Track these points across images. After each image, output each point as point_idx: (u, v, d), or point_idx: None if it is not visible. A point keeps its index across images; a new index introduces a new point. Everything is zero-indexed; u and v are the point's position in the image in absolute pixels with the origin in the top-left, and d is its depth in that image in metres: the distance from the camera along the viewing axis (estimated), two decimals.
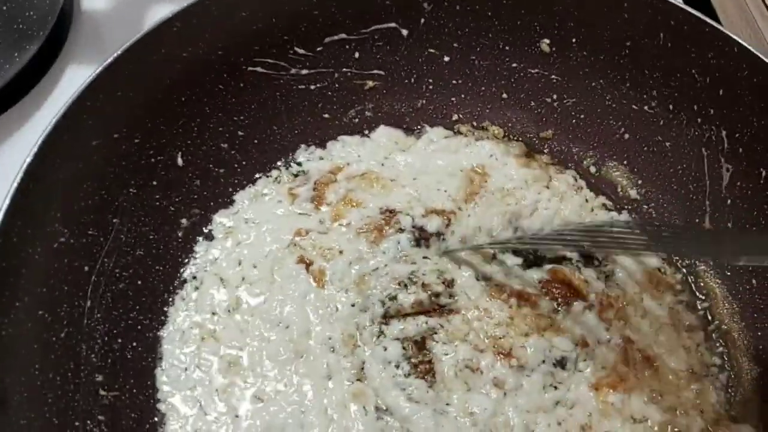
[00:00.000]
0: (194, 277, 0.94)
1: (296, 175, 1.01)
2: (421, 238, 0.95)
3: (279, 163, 1.02)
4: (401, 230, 0.95)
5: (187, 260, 0.95)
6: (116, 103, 0.85)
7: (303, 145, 1.03)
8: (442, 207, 0.98)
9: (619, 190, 1.03)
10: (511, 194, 0.99)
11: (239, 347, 0.88)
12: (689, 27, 0.90)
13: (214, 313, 0.91)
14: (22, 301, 0.75)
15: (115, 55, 0.83)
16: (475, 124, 1.07)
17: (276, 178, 1.01)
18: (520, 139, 1.07)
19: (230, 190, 0.99)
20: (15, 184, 0.74)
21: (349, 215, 0.97)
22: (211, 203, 0.98)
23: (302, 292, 0.91)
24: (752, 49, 0.87)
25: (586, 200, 1.02)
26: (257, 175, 1.01)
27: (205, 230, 0.97)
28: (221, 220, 0.98)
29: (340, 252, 0.94)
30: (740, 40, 0.88)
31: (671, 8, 0.91)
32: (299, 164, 1.02)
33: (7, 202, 0.73)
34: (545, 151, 1.06)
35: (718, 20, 1.17)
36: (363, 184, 0.99)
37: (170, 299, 0.92)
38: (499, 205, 0.98)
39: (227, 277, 0.93)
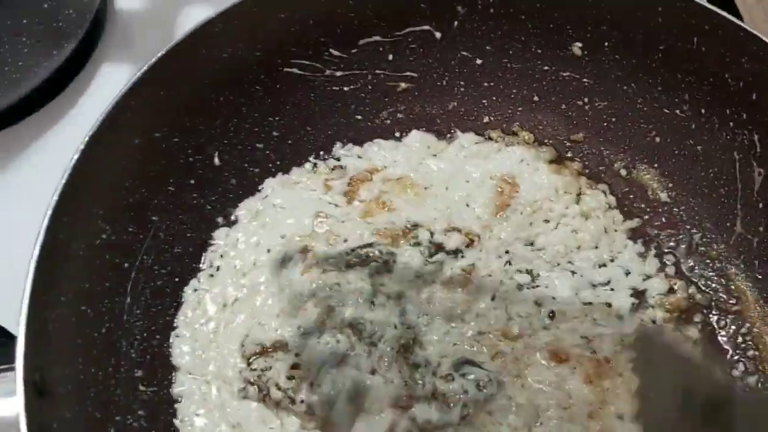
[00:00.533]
0: (213, 266, 0.95)
1: (333, 168, 1.02)
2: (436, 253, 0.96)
3: (314, 159, 1.03)
4: (417, 244, 0.96)
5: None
6: (158, 103, 0.86)
7: (339, 143, 1.04)
8: (468, 227, 0.98)
9: (650, 193, 1.03)
10: (540, 208, 1.00)
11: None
12: (723, 31, 0.90)
13: (225, 305, 0.92)
14: (66, 296, 0.77)
15: (159, 54, 0.84)
16: (505, 127, 1.08)
17: (314, 166, 1.02)
18: (551, 143, 1.07)
19: (263, 185, 1.01)
20: (62, 182, 0.76)
21: (377, 216, 0.98)
22: (247, 202, 0.99)
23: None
24: None
25: (613, 221, 1.01)
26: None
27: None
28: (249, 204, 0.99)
29: (345, 240, 0.96)
30: None
31: (705, 12, 0.91)
32: (338, 159, 1.03)
33: (55, 199, 0.75)
34: (576, 158, 1.06)
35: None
36: (397, 188, 1.00)
37: None
38: (525, 224, 0.99)
39: (242, 264, 0.94)
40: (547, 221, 0.99)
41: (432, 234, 0.97)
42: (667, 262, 0.98)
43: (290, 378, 0.86)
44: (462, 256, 0.96)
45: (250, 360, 0.88)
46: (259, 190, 1.00)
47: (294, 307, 0.90)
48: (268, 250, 0.94)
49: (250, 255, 0.94)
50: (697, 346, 0.93)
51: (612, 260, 0.97)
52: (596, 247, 0.98)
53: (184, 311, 0.91)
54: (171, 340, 0.89)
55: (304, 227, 0.97)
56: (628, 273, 0.97)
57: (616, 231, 1.01)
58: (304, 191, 1.00)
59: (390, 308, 0.91)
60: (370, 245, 0.95)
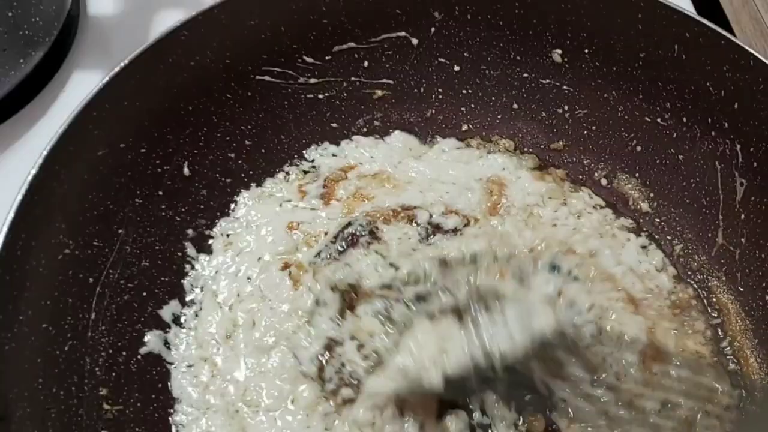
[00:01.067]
0: (193, 302, 0.92)
1: (306, 172, 1.01)
2: (434, 233, 0.94)
3: (288, 167, 1.01)
4: (414, 223, 0.94)
5: (191, 273, 0.94)
6: (123, 113, 0.84)
7: (314, 145, 1.02)
8: (465, 211, 0.97)
9: (631, 203, 1.01)
10: (531, 213, 0.98)
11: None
12: (704, 39, 0.89)
13: (215, 341, 0.90)
14: (25, 315, 0.74)
15: (122, 64, 0.82)
16: (484, 135, 1.06)
17: (286, 174, 1.00)
18: (532, 151, 1.05)
19: (236, 199, 0.98)
20: (19, 197, 0.73)
21: (359, 208, 0.96)
22: (218, 213, 0.96)
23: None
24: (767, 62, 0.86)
25: (605, 218, 1.00)
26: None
27: (209, 241, 0.96)
28: (223, 226, 0.97)
29: (325, 233, 0.94)
30: (756, 53, 0.87)
31: (686, 20, 0.90)
32: (311, 161, 1.02)
33: (11, 215, 0.72)
34: (559, 166, 1.05)
35: (732, 32, 1.16)
36: (374, 183, 0.99)
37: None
38: (521, 225, 0.97)
39: (224, 296, 0.92)
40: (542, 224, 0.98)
41: (431, 215, 0.96)
42: None
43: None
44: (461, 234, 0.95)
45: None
46: (231, 210, 0.98)
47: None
48: (249, 278, 0.93)
49: (232, 286, 0.93)
50: None
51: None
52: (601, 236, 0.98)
53: (179, 349, 0.89)
54: (170, 374, 0.87)
55: (284, 242, 0.95)
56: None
57: (610, 227, 1.00)
58: (278, 203, 0.98)
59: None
60: (348, 224, 0.93)
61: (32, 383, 0.74)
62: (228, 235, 0.96)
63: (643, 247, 0.99)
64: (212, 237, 0.96)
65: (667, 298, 0.95)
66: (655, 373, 0.87)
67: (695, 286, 0.96)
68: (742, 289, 0.94)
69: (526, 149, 1.05)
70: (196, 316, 0.91)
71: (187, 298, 0.92)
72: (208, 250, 0.95)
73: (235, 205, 0.98)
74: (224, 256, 0.94)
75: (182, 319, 0.91)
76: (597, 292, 0.91)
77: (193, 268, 0.94)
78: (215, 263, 0.94)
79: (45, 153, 0.76)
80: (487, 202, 0.98)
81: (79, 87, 1.09)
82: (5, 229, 0.71)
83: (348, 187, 0.99)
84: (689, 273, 0.97)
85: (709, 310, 0.94)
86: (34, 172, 0.74)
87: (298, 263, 0.93)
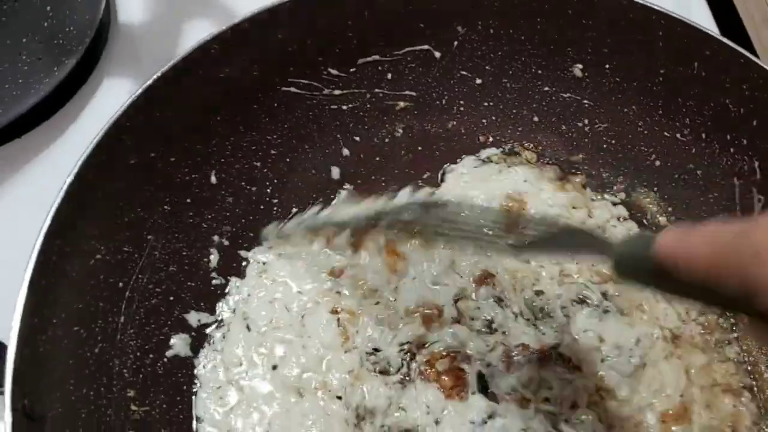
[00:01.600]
0: (221, 322, 0.94)
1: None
2: None
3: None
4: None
5: (217, 278, 0.96)
6: (154, 123, 0.86)
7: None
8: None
9: (649, 216, 1.03)
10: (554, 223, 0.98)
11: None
12: (724, 57, 0.90)
13: (241, 364, 0.90)
14: (59, 318, 0.77)
15: (155, 76, 0.84)
16: (506, 148, 1.07)
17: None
18: (554, 162, 1.07)
19: (261, 207, 1.00)
20: (56, 205, 0.76)
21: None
22: (243, 221, 0.99)
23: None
24: None
25: (630, 231, 1.01)
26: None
27: (239, 253, 0.98)
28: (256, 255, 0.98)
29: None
30: None
31: (706, 38, 0.91)
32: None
33: (48, 222, 0.75)
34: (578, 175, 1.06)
35: (754, 50, 1.17)
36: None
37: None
38: None
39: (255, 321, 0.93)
40: None
41: None
42: None
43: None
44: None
45: None
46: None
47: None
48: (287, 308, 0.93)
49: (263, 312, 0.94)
50: None
51: None
52: None
53: (202, 372, 0.91)
54: (193, 396, 0.89)
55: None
56: None
57: None
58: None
59: None
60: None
61: (64, 384, 0.77)
62: (263, 263, 0.97)
63: None
64: (246, 260, 0.98)
65: (696, 320, 0.95)
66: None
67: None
68: None
69: (547, 161, 1.07)
70: (224, 337, 0.93)
71: (217, 317, 0.94)
72: (237, 273, 0.97)
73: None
74: (257, 280, 0.96)
75: (211, 340, 0.93)
76: (638, 324, 0.92)
77: (225, 289, 0.96)
78: (247, 288, 0.96)
79: (80, 162, 0.78)
80: (506, 220, 0.98)
81: (109, 94, 1.11)
82: (42, 236, 0.74)
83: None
84: None
85: (723, 321, 0.96)
86: (69, 180, 0.77)
87: (350, 310, 0.92)
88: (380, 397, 0.86)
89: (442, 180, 1.04)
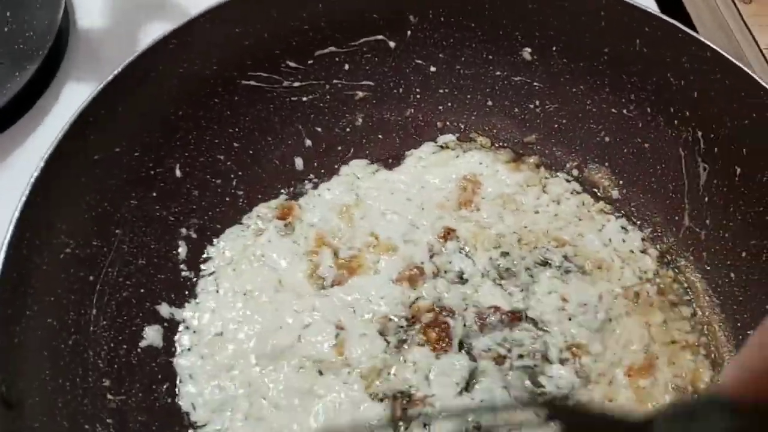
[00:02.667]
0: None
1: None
2: None
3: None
4: None
5: (186, 270, 0.98)
6: (117, 119, 0.88)
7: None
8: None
9: (601, 190, 1.07)
10: (512, 200, 1.03)
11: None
12: (663, 33, 0.95)
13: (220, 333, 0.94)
14: (31, 310, 0.78)
15: (116, 72, 0.86)
16: (460, 135, 1.11)
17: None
18: (507, 145, 1.10)
19: (227, 199, 1.03)
20: (23, 198, 0.78)
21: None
22: (209, 213, 1.01)
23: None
24: (724, 53, 0.92)
25: (583, 203, 1.06)
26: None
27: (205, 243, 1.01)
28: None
29: None
30: (712, 45, 0.92)
31: (646, 15, 0.95)
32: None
33: (17, 215, 0.77)
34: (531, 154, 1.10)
35: (692, 25, 1.22)
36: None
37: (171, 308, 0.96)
38: (495, 215, 1.02)
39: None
40: (524, 211, 1.03)
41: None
42: None
43: None
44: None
45: None
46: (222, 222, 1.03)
47: None
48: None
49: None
50: None
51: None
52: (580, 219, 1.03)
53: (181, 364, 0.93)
54: (177, 392, 0.91)
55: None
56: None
57: (589, 211, 1.05)
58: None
59: None
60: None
61: (40, 374, 0.78)
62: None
63: (623, 228, 1.04)
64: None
65: (653, 282, 1.00)
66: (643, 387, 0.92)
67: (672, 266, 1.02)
68: (708, 268, 0.99)
69: (502, 144, 1.11)
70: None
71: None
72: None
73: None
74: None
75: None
76: (598, 282, 0.97)
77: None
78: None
79: (46, 157, 0.80)
80: (459, 198, 1.03)
81: (71, 97, 1.13)
82: (12, 228, 0.76)
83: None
84: (658, 255, 1.02)
85: (678, 288, 1.00)
86: (36, 174, 0.79)
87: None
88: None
89: (401, 163, 1.08)
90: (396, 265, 0.98)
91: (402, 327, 0.93)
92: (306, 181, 1.07)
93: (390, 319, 0.93)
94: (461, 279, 0.97)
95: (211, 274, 0.99)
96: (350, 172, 1.08)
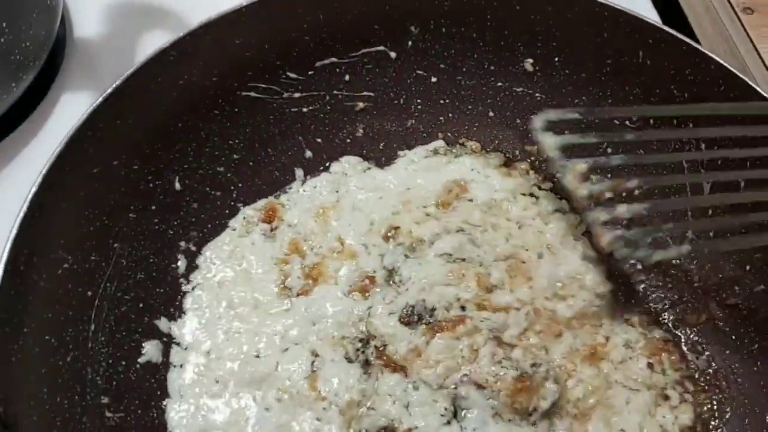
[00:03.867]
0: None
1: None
2: None
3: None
4: None
5: (186, 284, 0.97)
6: (116, 132, 0.87)
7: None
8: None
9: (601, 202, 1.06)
10: (499, 207, 1.02)
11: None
12: (666, 45, 0.94)
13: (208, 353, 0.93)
14: (29, 327, 0.77)
15: (115, 84, 0.85)
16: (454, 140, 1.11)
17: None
18: (499, 150, 1.10)
19: (227, 212, 1.02)
20: (21, 214, 0.76)
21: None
22: (209, 225, 1.00)
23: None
24: (727, 65, 0.91)
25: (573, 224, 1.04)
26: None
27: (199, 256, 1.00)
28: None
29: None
30: (716, 57, 0.92)
31: (649, 27, 0.95)
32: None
33: (14, 231, 0.75)
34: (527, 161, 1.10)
35: (695, 36, 1.21)
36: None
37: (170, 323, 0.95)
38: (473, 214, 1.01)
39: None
40: (508, 219, 1.02)
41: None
42: None
43: None
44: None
45: None
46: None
47: None
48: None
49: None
50: None
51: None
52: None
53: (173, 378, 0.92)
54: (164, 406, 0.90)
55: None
56: None
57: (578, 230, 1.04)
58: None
59: None
60: None
61: (38, 393, 0.77)
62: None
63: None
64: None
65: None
66: None
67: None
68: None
69: (492, 149, 1.10)
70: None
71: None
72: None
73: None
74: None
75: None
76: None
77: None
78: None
79: (44, 172, 0.79)
80: (441, 198, 1.02)
81: (68, 108, 1.12)
82: (9, 246, 0.74)
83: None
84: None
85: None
86: (34, 190, 0.78)
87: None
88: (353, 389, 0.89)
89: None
90: (351, 273, 0.97)
91: (359, 349, 0.92)
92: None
93: (344, 337, 0.92)
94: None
95: (196, 286, 0.98)
96: (340, 170, 1.07)
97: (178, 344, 0.94)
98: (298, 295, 0.96)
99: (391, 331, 0.91)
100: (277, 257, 0.99)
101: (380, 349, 0.91)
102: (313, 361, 0.91)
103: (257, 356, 0.92)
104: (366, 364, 0.90)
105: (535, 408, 0.86)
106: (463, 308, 0.92)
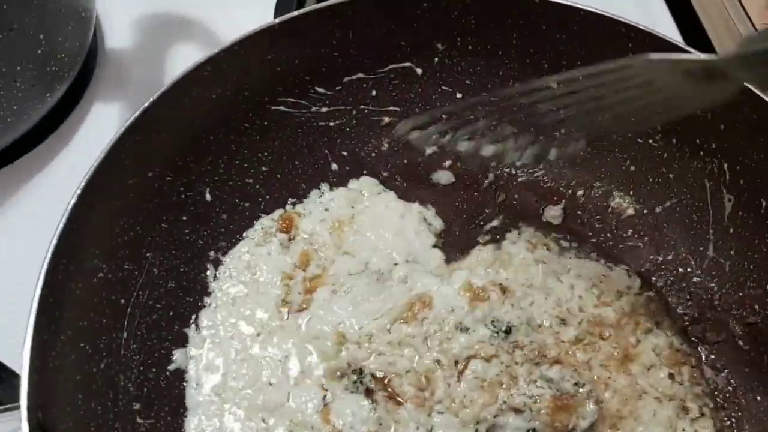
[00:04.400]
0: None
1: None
2: None
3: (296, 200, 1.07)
4: None
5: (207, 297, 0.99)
6: (151, 144, 0.89)
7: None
8: None
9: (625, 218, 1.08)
10: None
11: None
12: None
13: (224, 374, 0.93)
14: (65, 335, 0.79)
15: (152, 98, 0.87)
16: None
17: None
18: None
19: (254, 223, 1.03)
20: (61, 224, 0.78)
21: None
22: (238, 236, 1.02)
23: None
24: (750, 87, 0.92)
25: None
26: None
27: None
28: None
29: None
30: None
31: (671, 47, 0.96)
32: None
33: (54, 241, 0.77)
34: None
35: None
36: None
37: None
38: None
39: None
40: None
41: None
42: None
43: None
44: None
45: None
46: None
47: None
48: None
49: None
50: None
51: None
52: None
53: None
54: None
55: None
56: None
57: None
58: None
59: None
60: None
61: (73, 399, 0.79)
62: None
63: None
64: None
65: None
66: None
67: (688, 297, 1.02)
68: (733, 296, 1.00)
69: None
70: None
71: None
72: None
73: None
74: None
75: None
76: None
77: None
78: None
79: (83, 183, 0.81)
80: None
81: (99, 118, 1.15)
82: (49, 255, 0.76)
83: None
84: (683, 284, 1.03)
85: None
86: (74, 201, 0.80)
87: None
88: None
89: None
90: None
91: (355, 382, 0.92)
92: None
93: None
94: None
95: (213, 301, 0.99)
96: (357, 187, 1.08)
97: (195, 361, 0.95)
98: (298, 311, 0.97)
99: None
100: (288, 270, 1.00)
101: (379, 378, 0.91)
102: (324, 395, 0.91)
103: (270, 384, 0.92)
104: (368, 392, 0.90)
105: (574, 427, 0.87)
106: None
